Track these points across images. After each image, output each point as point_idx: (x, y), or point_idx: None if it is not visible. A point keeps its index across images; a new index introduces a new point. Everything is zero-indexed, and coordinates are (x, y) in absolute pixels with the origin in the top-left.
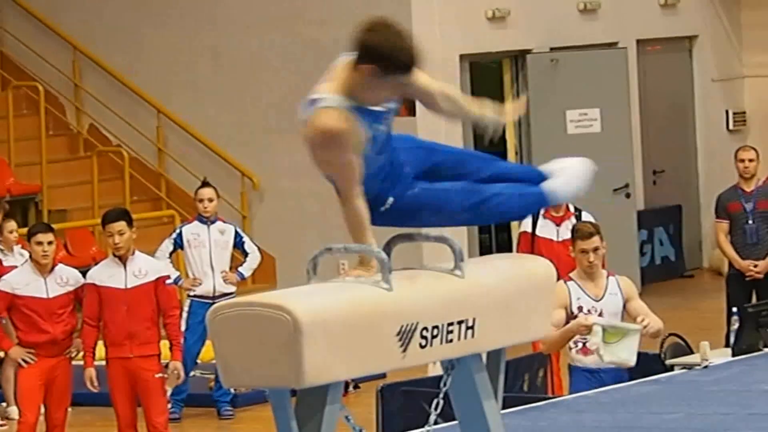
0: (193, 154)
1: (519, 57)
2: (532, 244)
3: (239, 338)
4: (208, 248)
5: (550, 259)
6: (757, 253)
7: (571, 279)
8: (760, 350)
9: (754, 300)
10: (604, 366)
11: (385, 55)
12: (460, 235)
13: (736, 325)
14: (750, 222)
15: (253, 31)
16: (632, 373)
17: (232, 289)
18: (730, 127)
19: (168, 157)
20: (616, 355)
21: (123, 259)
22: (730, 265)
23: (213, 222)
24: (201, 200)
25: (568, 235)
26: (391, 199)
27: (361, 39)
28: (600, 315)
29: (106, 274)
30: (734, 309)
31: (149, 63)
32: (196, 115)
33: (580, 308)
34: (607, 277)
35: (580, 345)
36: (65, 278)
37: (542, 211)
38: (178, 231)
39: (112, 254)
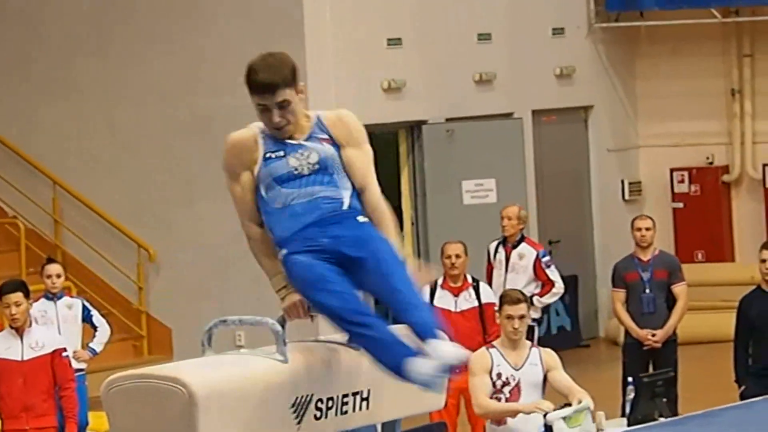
0: (90, 226)
1: (415, 128)
2: None
3: (134, 410)
4: (57, 324)
5: (447, 329)
6: (654, 322)
7: (493, 346)
8: (656, 420)
9: (651, 370)
10: None
11: (246, 75)
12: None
13: (632, 395)
14: (647, 291)
15: (147, 104)
16: None
17: (83, 365)
18: (626, 197)
19: (64, 229)
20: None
21: (20, 331)
22: (627, 334)
23: (60, 298)
24: (49, 276)
25: (466, 306)
26: (284, 251)
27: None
28: (518, 385)
29: (2, 346)
30: (629, 379)
31: (45, 135)
32: (92, 187)
33: (499, 375)
34: (530, 348)
35: None
36: None
37: (440, 281)
38: None
39: (8, 326)
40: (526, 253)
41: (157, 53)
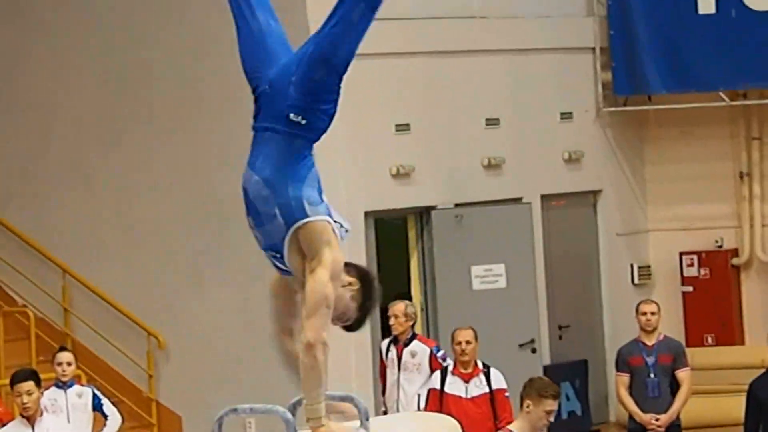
0: (100, 315)
1: (424, 213)
2: (440, 402)
3: None
4: (66, 413)
5: (458, 416)
6: (659, 406)
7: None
8: None
9: None
10: None
11: (368, 306)
12: (366, 392)
13: None
14: (652, 376)
15: (156, 193)
16: None
17: None
18: (635, 281)
19: (74, 318)
20: None
21: (31, 420)
22: (631, 418)
23: (70, 386)
24: (60, 364)
25: (477, 392)
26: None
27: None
28: None
29: None
30: None
31: (55, 223)
32: (102, 276)
33: None
34: None
35: None
36: None
37: (450, 368)
38: None
39: (20, 415)
40: (418, 351)
41: (167, 143)
